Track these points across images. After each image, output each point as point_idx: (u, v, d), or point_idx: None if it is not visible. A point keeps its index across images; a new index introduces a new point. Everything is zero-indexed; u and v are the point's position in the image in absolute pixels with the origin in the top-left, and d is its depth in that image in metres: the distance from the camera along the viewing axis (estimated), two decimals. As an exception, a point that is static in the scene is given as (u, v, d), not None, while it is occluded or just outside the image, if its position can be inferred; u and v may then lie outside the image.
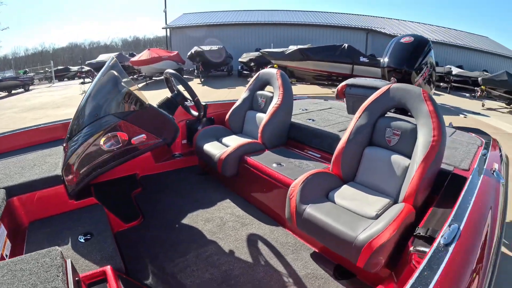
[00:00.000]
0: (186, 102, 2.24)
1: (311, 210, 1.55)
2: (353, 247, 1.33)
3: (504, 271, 1.96)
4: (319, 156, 2.37)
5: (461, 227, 1.08)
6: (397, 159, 1.65)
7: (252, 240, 1.87)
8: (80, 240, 1.59)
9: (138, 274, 1.60)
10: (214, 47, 15.39)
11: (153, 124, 1.89)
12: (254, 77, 2.86)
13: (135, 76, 17.61)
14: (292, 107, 2.59)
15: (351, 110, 2.71)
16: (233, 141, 2.50)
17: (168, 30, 21.94)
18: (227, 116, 2.83)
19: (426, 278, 0.87)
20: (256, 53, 14.09)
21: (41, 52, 49.44)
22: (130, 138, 1.77)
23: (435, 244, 1.04)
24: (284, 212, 1.76)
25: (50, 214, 1.82)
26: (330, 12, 24.05)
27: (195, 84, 13.90)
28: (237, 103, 2.84)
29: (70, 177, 1.78)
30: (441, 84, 12.76)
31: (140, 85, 15.18)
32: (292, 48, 11.08)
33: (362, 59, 10.43)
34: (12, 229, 1.62)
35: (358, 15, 24.14)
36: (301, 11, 24.15)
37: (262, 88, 2.82)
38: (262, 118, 2.56)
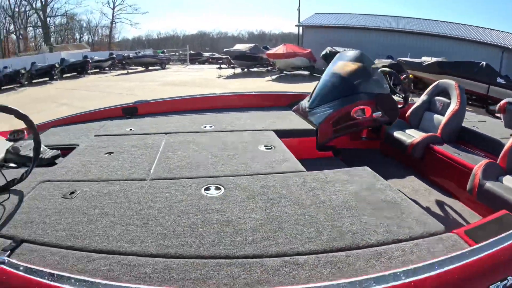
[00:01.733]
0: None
1: (490, 184, 1.98)
2: None
3: None
4: (483, 155, 2.70)
5: None
6: None
7: (440, 202, 2.46)
8: None
9: None
10: (349, 50, 16.14)
11: (387, 106, 2.44)
12: (433, 85, 3.34)
13: (269, 68, 18.84)
14: (464, 113, 3.00)
15: (509, 124, 3.03)
16: (416, 133, 2.95)
17: (300, 28, 23.96)
18: (407, 113, 3.28)
19: None
20: (389, 60, 14.17)
21: (172, 37, 54.94)
22: (372, 112, 2.30)
23: None
24: (459, 188, 2.29)
25: (301, 157, 2.16)
26: (463, 24, 22.64)
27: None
28: (417, 104, 3.31)
29: (323, 132, 2.25)
30: None
31: (273, 77, 16.67)
32: (426, 59, 11.26)
33: (499, 80, 10.19)
34: None
35: (493, 29, 22.04)
36: (434, 20, 23.16)
37: (439, 95, 3.24)
38: (439, 118, 2.99)
